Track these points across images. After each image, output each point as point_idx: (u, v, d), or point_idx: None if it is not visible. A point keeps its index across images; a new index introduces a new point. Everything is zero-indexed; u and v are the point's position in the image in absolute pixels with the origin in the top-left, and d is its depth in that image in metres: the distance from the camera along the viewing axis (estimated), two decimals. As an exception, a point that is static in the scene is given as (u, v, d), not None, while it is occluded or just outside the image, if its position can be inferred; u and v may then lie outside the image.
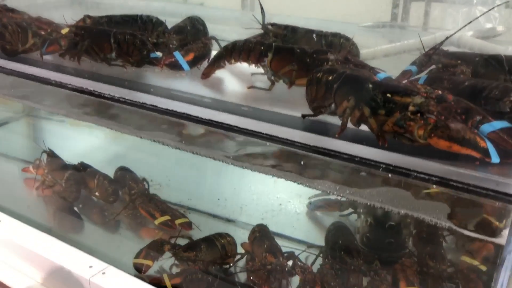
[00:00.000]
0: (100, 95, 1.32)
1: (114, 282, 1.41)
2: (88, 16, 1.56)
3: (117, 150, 2.27)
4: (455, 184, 0.90)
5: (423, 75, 1.24)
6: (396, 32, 2.08)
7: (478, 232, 1.03)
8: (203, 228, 1.71)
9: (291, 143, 1.05)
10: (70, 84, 1.39)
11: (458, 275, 1.44)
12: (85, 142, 2.28)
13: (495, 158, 0.89)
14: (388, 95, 0.97)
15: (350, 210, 1.78)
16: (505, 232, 0.96)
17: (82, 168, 1.89)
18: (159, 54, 1.45)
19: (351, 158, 0.99)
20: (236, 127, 1.12)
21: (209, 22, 1.68)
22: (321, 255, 1.54)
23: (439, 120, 0.91)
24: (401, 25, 2.13)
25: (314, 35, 1.40)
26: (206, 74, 1.38)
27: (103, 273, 1.44)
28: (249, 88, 1.31)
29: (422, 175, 0.93)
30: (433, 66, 1.30)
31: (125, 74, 1.43)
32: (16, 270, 1.59)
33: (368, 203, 1.70)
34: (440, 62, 1.25)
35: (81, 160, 1.97)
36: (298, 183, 1.18)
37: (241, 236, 1.66)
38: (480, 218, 0.99)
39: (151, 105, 1.25)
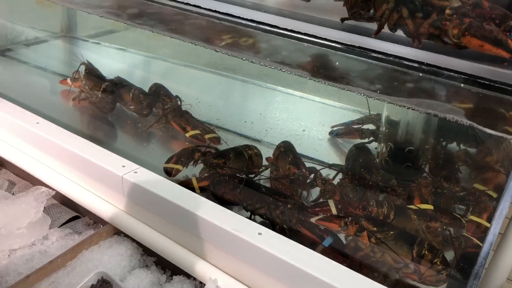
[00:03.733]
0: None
1: (145, 180, 1.50)
2: None
3: (150, 74, 2.36)
4: (482, 81, 0.97)
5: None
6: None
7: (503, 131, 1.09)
8: (230, 145, 1.81)
9: (329, 42, 1.12)
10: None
11: (470, 197, 1.53)
12: (119, 65, 2.37)
13: (524, 59, 0.96)
14: (428, -1, 1.04)
15: (371, 138, 1.86)
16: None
17: (118, 82, 1.98)
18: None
19: (386, 57, 1.06)
20: (276, 26, 1.19)
21: None
22: (341, 172, 1.64)
23: (474, 21, 0.98)
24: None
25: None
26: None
27: (135, 172, 1.53)
28: (290, -2, 1.37)
29: (452, 73, 1.00)
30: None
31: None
32: (53, 170, 1.71)
33: (389, 127, 1.78)
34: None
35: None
36: (328, 85, 1.24)
37: (266, 154, 1.75)
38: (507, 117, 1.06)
39: (194, 5, 1.31)
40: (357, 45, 1.09)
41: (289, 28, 1.17)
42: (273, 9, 1.31)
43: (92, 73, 2.00)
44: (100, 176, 1.56)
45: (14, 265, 1.42)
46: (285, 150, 1.66)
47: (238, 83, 2.30)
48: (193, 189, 1.53)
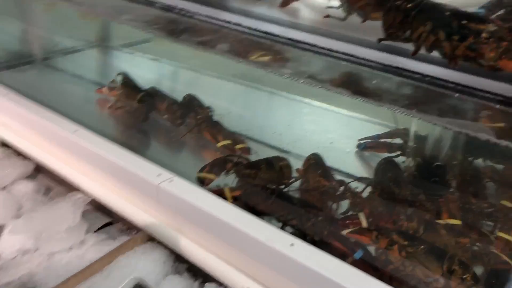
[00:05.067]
0: (185, 14, 1.44)
1: (180, 189, 1.55)
2: None
3: (181, 84, 2.43)
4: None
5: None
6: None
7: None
8: (260, 155, 1.85)
9: (366, 61, 1.16)
10: (158, 2, 1.51)
11: (498, 214, 1.55)
12: (152, 74, 2.44)
13: (558, 83, 0.99)
14: (464, 21, 1.07)
15: (398, 152, 1.89)
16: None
17: (153, 92, 2.05)
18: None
19: (422, 77, 1.10)
20: (316, 45, 1.23)
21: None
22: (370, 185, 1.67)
23: (510, 44, 1.01)
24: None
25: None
26: (285, 3, 1.49)
27: (170, 181, 1.58)
28: (325, 17, 1.41)
29: (488, 94, 1.03)
30: (501, 12, 1.37)
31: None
32: (89, 177, 1.77)
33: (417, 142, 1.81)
34: (510, 5, 1.32)
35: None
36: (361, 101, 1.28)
37: (294, 165, 1.78)
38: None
39: (235, 23, 1.36)
40: (393, 65, 1.13)
41: (325, 47, 1.21)
42: (308, 27, 1.36)
43: (128, 83, 2.07)
44: (136, 184, 1.62)
45: (54, 268, 1.48)
46: (315, 162, 1.70)
47: (266, 94, 2.35)
48: (225, 199, 1.57)
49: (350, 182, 1.64)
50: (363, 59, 1.17)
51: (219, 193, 1.59)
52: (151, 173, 1.60)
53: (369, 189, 1.64)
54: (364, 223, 1.41)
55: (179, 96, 2.12)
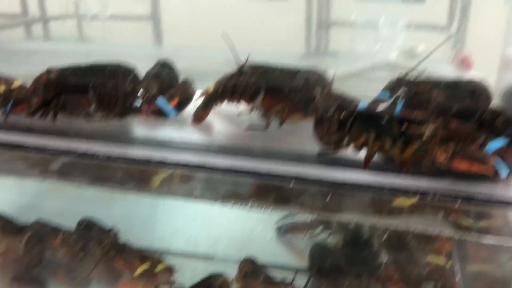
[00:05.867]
0: (94, 156, 1.24)
1: None
2: (51, 70, 1.44)
3: (62, 202, 2.11)
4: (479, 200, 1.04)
5: (398, 101, 1.38)
6: (329, 60, 2.24)
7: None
8: (183, 270, 1.68)
9: (318, 182, 1.11)
10: (54, 148, 1.28)
11: (435, 274, 1.61)
12: (29, 200, 2.08)
13: (504, 173, 1.05)
14: (404, 125, 1.09)
15: (321, 227, 1.87)
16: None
17: (40, 226, 1.73)
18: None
19: (381, 188, 1.08)
20: (267, 173, 1.15)
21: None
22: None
23: (457, 144, 1.04)
24: (331, 52, 2.30)
25: (290, 72, 1.47)
26: (199, 119, 1.38)
27: None
28: (246, 130, 1.33)
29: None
30: (403, 89, 1.43)
31: (108, 128, 1.37)
32: None
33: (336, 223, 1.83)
34: (411, 87, 1.39)
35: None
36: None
37: (226, 271, 1.65)
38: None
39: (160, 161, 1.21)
40: (350, 182, 1.10)
41: (248, 170, 1.15)
42: (221, 148, 1.28)
43: (4, 223, 1.72)
44: None
45: None
46: (252, 269, 1.58)
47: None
48: None
49: (293, 280, 1.57)
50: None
51: None
52: None
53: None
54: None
55: (71, 221, 1.83)
